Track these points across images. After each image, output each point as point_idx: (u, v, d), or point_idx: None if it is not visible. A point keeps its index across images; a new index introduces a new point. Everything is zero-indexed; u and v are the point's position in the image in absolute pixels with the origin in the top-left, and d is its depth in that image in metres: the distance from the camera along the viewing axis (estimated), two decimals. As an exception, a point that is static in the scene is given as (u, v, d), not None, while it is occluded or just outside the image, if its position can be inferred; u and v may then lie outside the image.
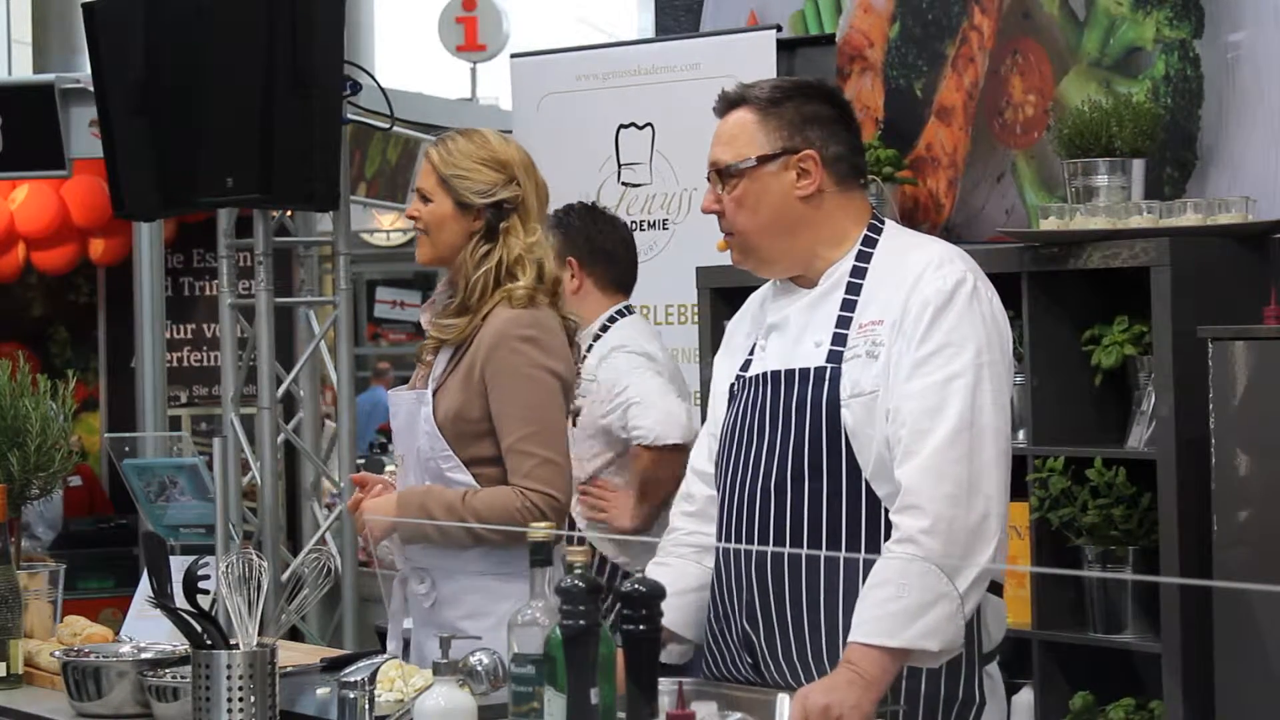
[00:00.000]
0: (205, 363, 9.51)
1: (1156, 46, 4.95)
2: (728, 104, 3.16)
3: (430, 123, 9.99)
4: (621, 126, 5.79)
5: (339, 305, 6.36)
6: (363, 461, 8.71)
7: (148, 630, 3.63)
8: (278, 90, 5.36)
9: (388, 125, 6.42)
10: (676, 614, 3.16)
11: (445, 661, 2.81)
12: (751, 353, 3.20)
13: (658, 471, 4.60)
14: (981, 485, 2.92)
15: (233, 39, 5.40)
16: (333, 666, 3.34)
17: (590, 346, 4.63)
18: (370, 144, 9.01)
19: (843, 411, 2.99)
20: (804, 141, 3.10)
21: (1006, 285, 4.63)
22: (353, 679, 2.96)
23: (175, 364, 9.28)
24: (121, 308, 9.24)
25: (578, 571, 2.65)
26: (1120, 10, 5.03)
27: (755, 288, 5.17)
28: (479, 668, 3.05)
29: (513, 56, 6.19)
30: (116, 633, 3.81)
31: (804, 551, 2.99)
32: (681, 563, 3.24)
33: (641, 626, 2.58)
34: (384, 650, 3.64)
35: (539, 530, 2.82)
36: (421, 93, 11.65)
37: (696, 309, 5.35)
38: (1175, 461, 4.31)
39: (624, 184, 5.75)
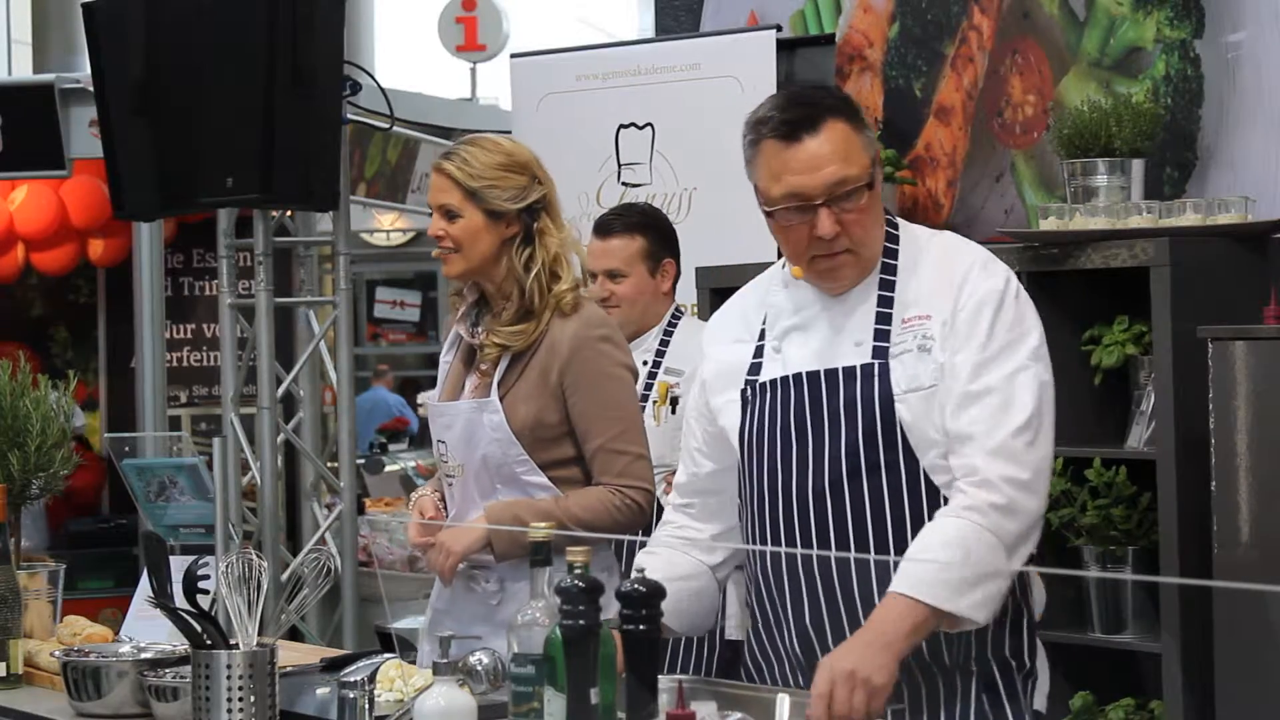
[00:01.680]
0: (205, 363, 9.52)
1: (1157, 46, 4.95)
2: (819, 116, 3.02)
3: (430, 123, 10.00)
4: (621, 126, 5.79)
5: (339, 305, 6.36)
6: (362, 461, 8.72)
7: (148, 630, 3.63)
8: (278, 90, 5.36)
9: (388, 125, 6.43)
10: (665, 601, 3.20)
11: (445, 661, 2.81)
12: (758, 355, 3.17)
13: None
14: (1043, 477, 3.00)
15: (233, 39, 5.40)
16: (333, 666, 3.34)
17: (665, 340, 4.65)
18: (370, 144, 9.01)
19: (897, 406, 2.99)
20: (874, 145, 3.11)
21: (1006, 285, 4.65)
22: (352, 679, 2.96)
23: (175, 364, 9.30)
24: (121, 308, 9.25)
25: (578, 571, 2.65)
26: (1120, 10, 5.03)
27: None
28: (479, 668, 3.06)
29: (513, 56, 6.19)
30: (116, 633, 3.81)
31: (890, 559, 2.96)
32: (670, 552, 3.24)
33: (641, 626, 2.58)
34: (383, 650, 3.64)
35: (539, 530, 2.82)
36: (421, 93, 11.64)
37: (696, 309, 5.34)
38: (1175, 461, 4.31)
39: (624, 184, 5.75)
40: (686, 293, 5.40)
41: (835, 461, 3.02)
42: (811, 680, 2.97)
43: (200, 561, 3.08)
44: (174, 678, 3.16)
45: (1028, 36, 5.24)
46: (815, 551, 3.04)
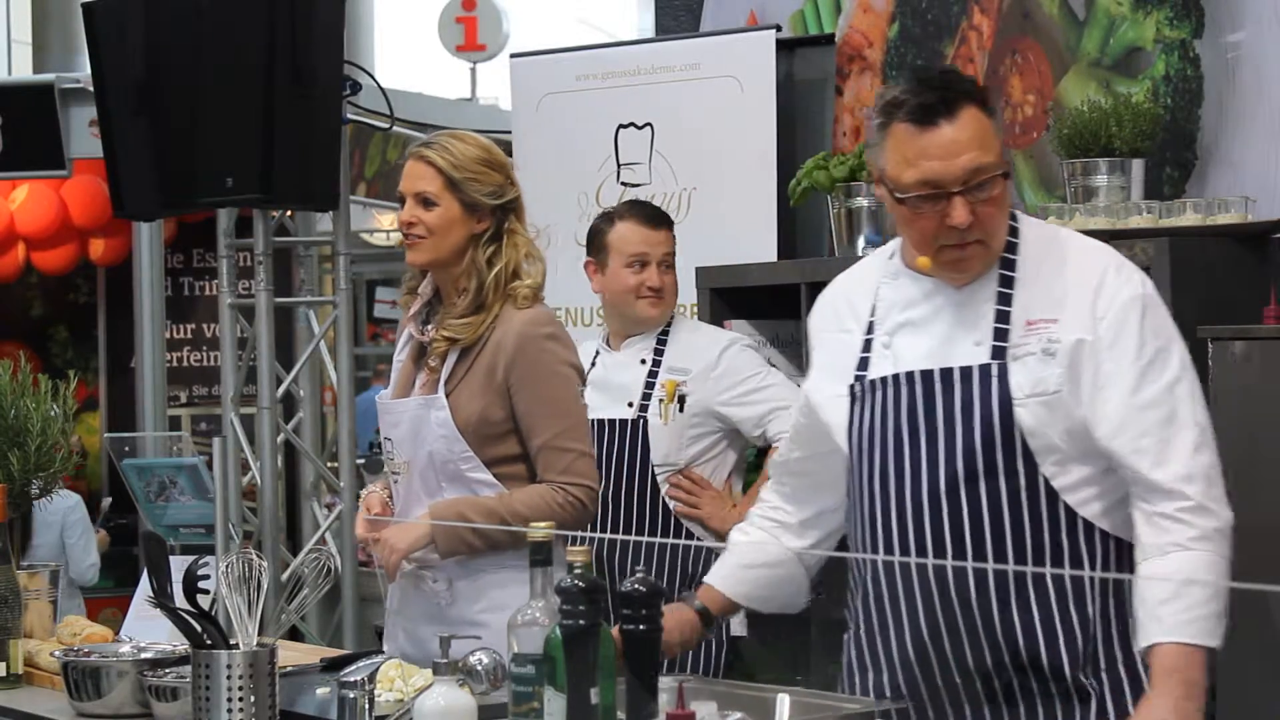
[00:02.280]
0: (205, 363, 9.52)
1: (1156, 46, 4.95)
2: (955, 101, 2.93)
3: (430, 123, 9.99)
4: (621, 126, 5.79)
5: (339, 305, 6.36)
6: (362, 461, 8.71)
7: (148, 630, 3.63)
8: (278, 90, 5.37)
9: (388, 125, 6.43)
10: (746, 585, 3.24)
11: (445, 661, 2.81)
12: (866, 350, 3.08)
13: None
14: (1223, 483, 2.96)
15: (233, 39, 5.40)
16: (332, 666, 3.34)
17: (663, 339, 4.66)
18: (370, 144, 9.02)
19: (1017, 410, 2.92)
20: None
21: (1006, 285, 4.65)
22: (352, 679, 2.96)
23: (175, 364, 9.29)
24: (121, 308, 9.25)
25: (578, 571, 2.65)
26: (1120, 10, 5.03)
27: (754, 288, 5.20)
28: (479, 667, 3.06)
29: (512, 56, 6.19)
30: (116, 633, 3.81)
31: (1049, 571, 2.93)
32: (760, 534, 3.24)
33: (641, 626, 2.58)
34: (383, 650, 3.65)
35: (539, 530, 2.82)
36: (421, 93, 11.66)
37: (696, 309, 5.34)
38: (1175, 461, 4.30)
39: (623, 184, 5.74)
40: (686, 293, 5.40)
41: (950, 465, 2.95)
42: (916, 692, 2.98)
43: (200, 561, 3.08)
44: (174, 678, 3.16)
45: (1027, 36, 5.24)
46: (930, 561, 2.95)
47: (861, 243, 5.19)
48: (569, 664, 2.59)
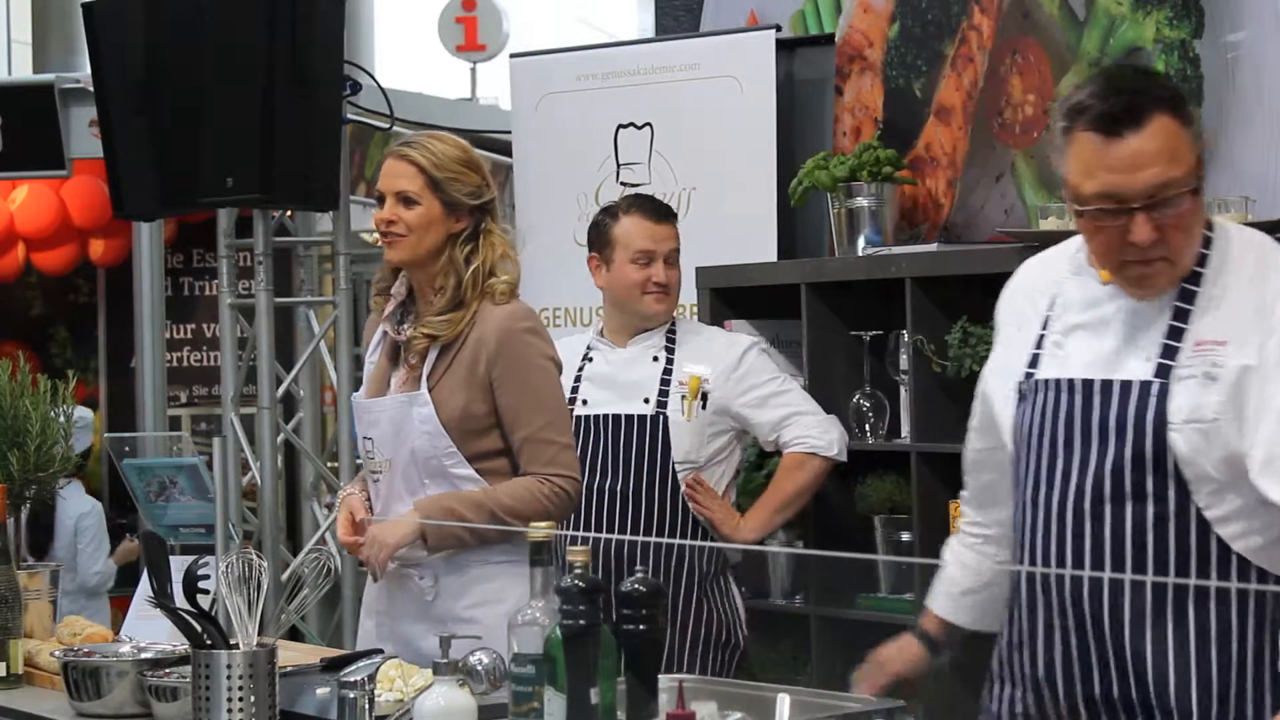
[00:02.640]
0: (205, 363, 9.52)
1: (1156, 46, 4.95)
2: (1144, 109, 2.73)
3: (430, 123, 9.98)
4: (621, 126, 5.79)
5: (339, 305, 6.36)
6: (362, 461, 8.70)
7: (148, 630, 3.63)
8: (278, 90, 5.36)
9: (388, 125, 6.42)
10: (970, 612, 3.15)
11: (445, 661, 2.81)
12: (1039, 346, 2.95)
13: (814, 484, 4.67)
14: None
15: (233, 39, 5.40)
16: (332, 666, 3.34)
17: (671, 336, 4.65)
18: (370, 144, 9.02)
19: (1171, 435, 2.74)
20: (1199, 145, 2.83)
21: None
22: (353, 679, 2.96)
23: (175, 364, 9.29)
24: (121, 308, 9.25)
25: (578, 571, 2.65)
26: (1120, 10, 5.03)
27: (754, 288, 5.19)
28: (479, 667, 3.06)
29: (512, 56, 6.19)
30: (116, 632, 3.81)
31: (1193, 582, 2.76)
32: (971, 555, 3.14)
33: (641, 626, 2.58)
34: (382, 650, 3.65)
35: (539, 530, 2.82)
36: (421, 93, 11.65)
37: (696, 309, 5.34)
38: (1175, 461, 4.29)
39: (623, 184, 5.74)
40: (687, 293, 5.40)
41: (1099, 480, 2.80)
42: (1043, 715, 2.86)
43: (200, 561, 3.08)
44: (174, 678, 3.16)
45: (1028, 36, 5.24)
46: (1053, 570, 2.83)
47: (862, 243, 5.20)
48: (569, 664, 2.59)
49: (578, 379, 4.67)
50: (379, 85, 6.41)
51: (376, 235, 3.85)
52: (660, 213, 4.68)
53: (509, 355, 3.72)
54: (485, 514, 3.67)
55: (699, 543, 4.56)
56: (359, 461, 4.16)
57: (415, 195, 3.76)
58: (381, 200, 3.80)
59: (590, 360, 4.69)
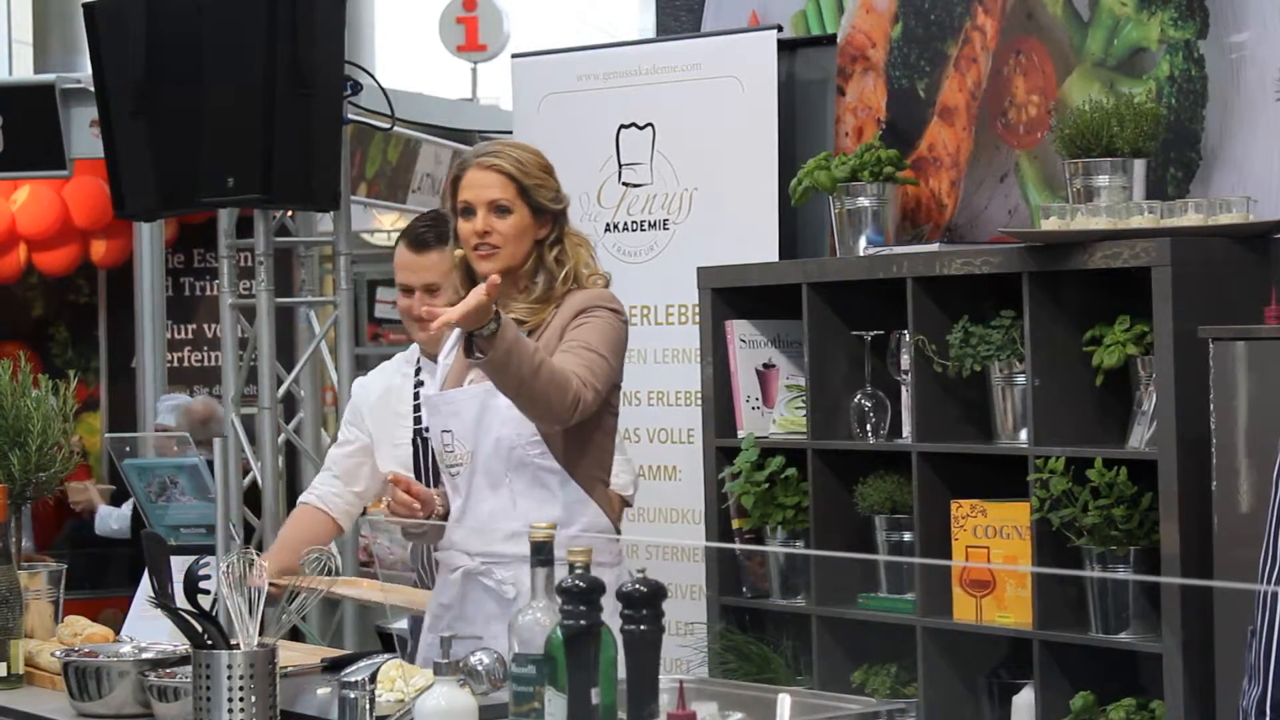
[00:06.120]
0: (205, 363, 9.52)
1: (1161, 47, 4.95)
2: None
3: (431, 123, 10.00)
4: (622, 126, 5.78)
5: (339, 305, 6.36)
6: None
7: (148, 630, 3.63)
8: (278, 90, 5.36)
9: (388, 125, 6.42)
10: None
11: (445, 661, 2.81)
12: None
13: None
14: None
15: (233, 39, 5.40)
16: (333, 666, 3.34)
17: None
18: (371, 144, 9.02)
19: None
20: None
21: (1008, 285, 4.64)
22: (353, 679, 2.96)
23: (175, 364, 9.29)
24: (122, 308, 9.26)
25: (578, 571, 2.65)
26: (1124, 10, 5.02)
27: (755, 288, 5.19)
28: (479, 668, 3.05)
29: (513, 57, 6.19)
30: (117, 633, 3.81)
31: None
32: None
33: (641, 626, 2.58)
34: (384, 650, 3.64)
35: (539, 530, 2.82)
36: (422, 93, 11.64)
37: (697, 309, 5.34)
38: (1176, 461, 4.30)
39: (624, 184, 5.74)
40: (688, 293, 5.40)
41: None
42: None
43: (200, 561, 3.08)
44: (175, 678, 3.16)
45: (1031, 36, 5.23)
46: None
47: (863, 243, 5.19)
48: (569, 664, 2.58)
49: (417, 406, 4.46)
50: (380, 85, 6.41)
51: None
52: (420, 242, 4.37)
53: (587, 313, 3.77)
54: (537, 357, 3.59)
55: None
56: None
57: (508, 203, 3.80)
58: (467, 213, 3.81)
59: (422, 384, 4.48)
